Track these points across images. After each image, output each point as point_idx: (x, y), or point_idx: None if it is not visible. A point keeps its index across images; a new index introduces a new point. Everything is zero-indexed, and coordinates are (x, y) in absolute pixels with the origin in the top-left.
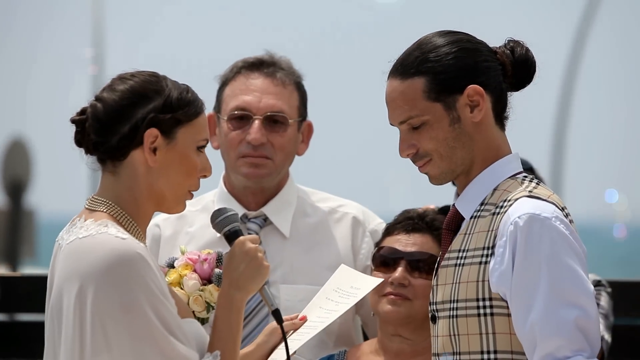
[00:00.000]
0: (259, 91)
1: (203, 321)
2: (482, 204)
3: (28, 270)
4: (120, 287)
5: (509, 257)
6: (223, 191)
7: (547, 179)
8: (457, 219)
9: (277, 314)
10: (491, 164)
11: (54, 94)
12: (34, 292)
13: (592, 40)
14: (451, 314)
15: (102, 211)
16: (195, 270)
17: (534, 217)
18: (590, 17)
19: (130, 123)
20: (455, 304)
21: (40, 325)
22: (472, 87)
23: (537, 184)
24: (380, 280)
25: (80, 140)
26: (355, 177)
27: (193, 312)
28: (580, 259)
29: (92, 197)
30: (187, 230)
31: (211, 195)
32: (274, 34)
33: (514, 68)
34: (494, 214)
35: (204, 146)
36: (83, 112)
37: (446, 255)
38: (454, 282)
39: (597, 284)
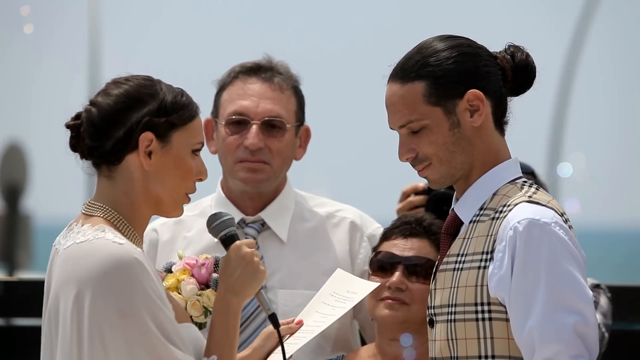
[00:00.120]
0: (256, 96)
1: (201, 326)
2: (481, 208)
3: (25, 274)
4: (117, 293)
5: (508, 262)
6: (221, 196)
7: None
8: (456, 223)
9: (273, 318)
10: (490, 168)
11: (51, 98)
12: (31, 296)
13: (591, 41)
14: (449, 318)
15: (99, 216)
16: (193, 275)
17: (534, 222)
18: (587, 19)
19: (125, 127)
20: (453, 308)
21: (37, 330)
22: (472, 92)
23: (536, 189)
24: (377, 284)
25: (75, 145)
26: (353, 181)
27: (191, 317)
28: (579, 265)
29: (89, 202)
30: (184, 235)
31: (209, 200)
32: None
33: (514, 73)
34: (493, 218)
35: (199, 149)
36: (78, 117)
37: (445, 260)
38: (453, 286)
39: (596, 287)
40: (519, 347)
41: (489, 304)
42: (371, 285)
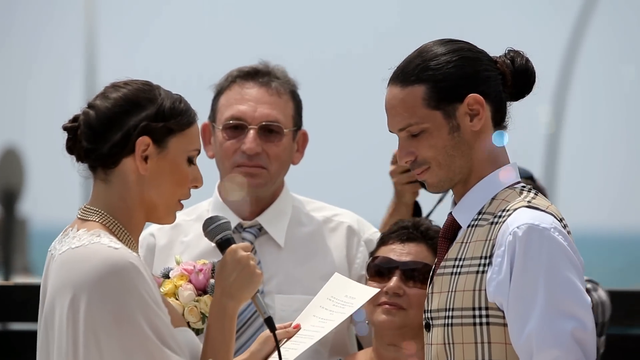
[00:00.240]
0: (254, 101)
1: (198, 332)
2: (479, 213)
3: (21, 279)
4: (113, 298)
5: (507, 267)
6: (218, 200)
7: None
8: (454, 228)
9: (269, 322)
10: (489, 173)
11: (48, 102)
12: (26, 301)
13: (588, 42)
14: (446, 322)
15: (95, 221)
16: (190, 281)
17: (533, 228)
18: (585, 20)
19: (122, 131)
20: (450, 313)
21: (32, 335)
22: (473, 96)
23: (535, 194)
24: (376, 290)
25: (72, 147)
26: (351, 185)
27: (188, 322)
28: (577, 271)
29: (85, 207)
30: (181, 240)
31: (206, 205)
32: (270, 42)
33: (514, 78)
34: (492, 223)
35: (195, 156)
36: (75, 119)
37: (442, 264)
38: (450, 290)
39: (590, 281)
40: (516, 353)
41: (486, 308)
42: (370, 290)
